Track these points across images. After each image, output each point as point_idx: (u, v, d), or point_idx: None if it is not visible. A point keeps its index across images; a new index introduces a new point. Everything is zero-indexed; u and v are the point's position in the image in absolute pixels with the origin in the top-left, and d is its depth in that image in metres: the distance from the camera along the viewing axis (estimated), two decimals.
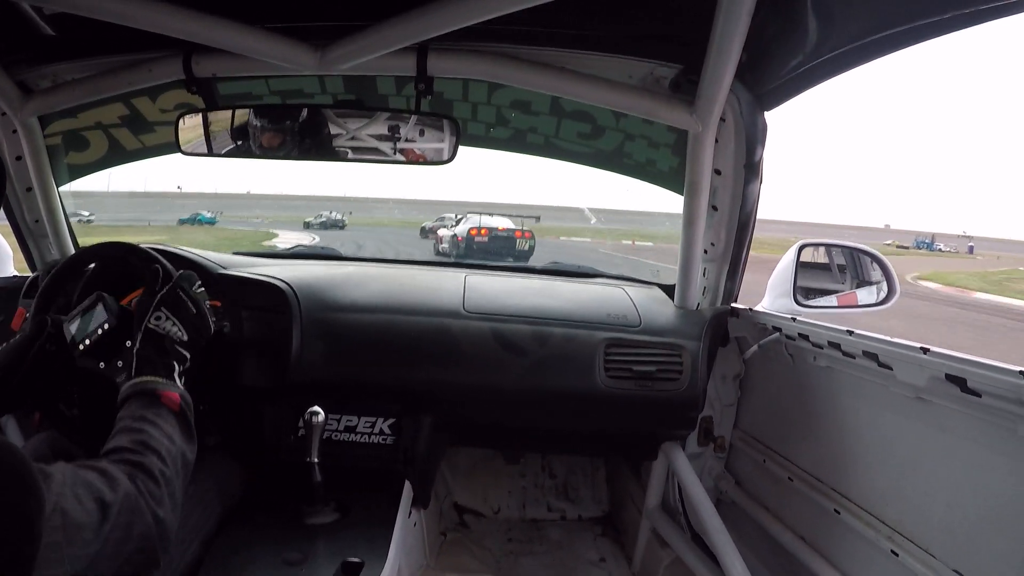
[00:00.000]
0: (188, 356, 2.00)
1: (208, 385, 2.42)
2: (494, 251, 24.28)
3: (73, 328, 2.25)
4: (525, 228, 25.83)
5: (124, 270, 2.48)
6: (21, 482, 1.18)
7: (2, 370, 2.15)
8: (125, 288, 2.44)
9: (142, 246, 2.46)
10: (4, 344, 2.25)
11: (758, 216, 2.78)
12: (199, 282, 2.16)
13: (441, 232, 27.27)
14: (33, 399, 2.25)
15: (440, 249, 26.59)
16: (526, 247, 24.99)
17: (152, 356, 1.90)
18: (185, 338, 2.00)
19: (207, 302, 2.14)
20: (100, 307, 2.26)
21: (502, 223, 25.86)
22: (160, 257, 2.36)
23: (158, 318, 1.98)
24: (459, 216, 26.78)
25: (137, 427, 1.69)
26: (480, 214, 26.16)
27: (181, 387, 1.88)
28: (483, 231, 24.94)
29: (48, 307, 2.54)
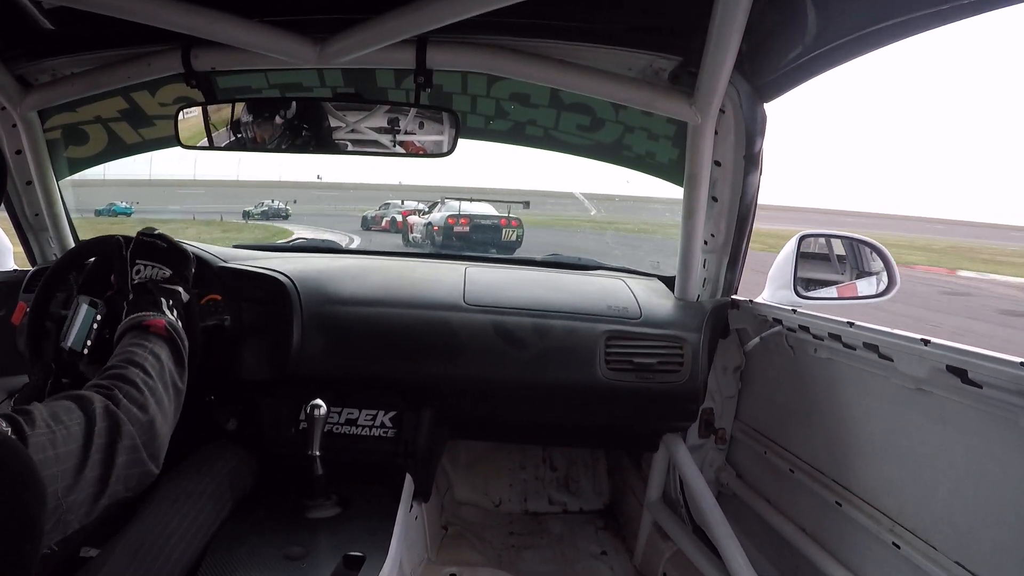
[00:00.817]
0: (179, 289, 2.08)
1: (212, 377, 2.42)
2: (476, 242, 22.21)
3: (71, 342, 2.27)
4: (512, 216, 23.73)
5: (122, 264, 2.49)
6: (22, 480, 1.18)
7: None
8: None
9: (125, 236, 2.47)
10: (19, 394, 2.30)
11: (762, 204, 2.78)
12: (157, 230, 2.23)
13: (412, 220, 25.29)
14: None
15: (412, 239, 24.56)
16: (513, 237, 22.72)
17: (139, 301, 1.97)
18: (167, 273, 2.09)
19: (174, 239, 2.19)
20: (84, 307, 2.28)
21: (485, 210, 23.80)
22: (120, 236, 2.38)
23: (137, 271, 2.08)
24: (435, 202, 24.73)
25: (124, 351, 1.76)
26: (460, 200, 23.99)
27: (170, 317, 1.94)
28: (463, 220, 22.87)
29: (48, 301, 2.54)
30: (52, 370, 2.39)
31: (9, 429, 1.28)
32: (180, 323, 1.98)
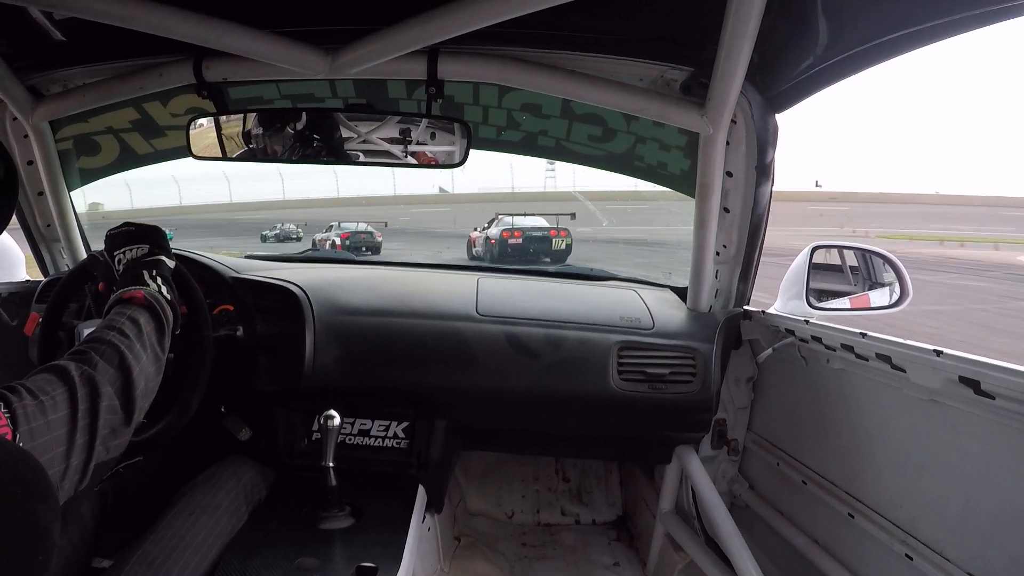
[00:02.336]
0: (161, 258, 2.12)
1: (224, 388, 2.42)
2: (530, 252, 24.19)
3: (88, 330, 2.28)
4: (560, 227, 25.48)
5: (105, 267, 2.50)
6: (35, 491, 1.18)
7: None
8: None
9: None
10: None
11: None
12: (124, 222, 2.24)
13: (474, 235, 26.67)
14: None
15: (474, 253, 26.07)
16: (562, 246, 24.78)
17: (124, 280, 2.02)
18: (144, 249, 2.11)
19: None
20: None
21: (536, 222, 25.50)
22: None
23: (118, 260, 2.10)
24: (491, 218, 26.21)
25: (105, 323, 1.81)
26: (512, 215, 25.76)
27: (153, 286, 1.99)
28: (516, 232, 24.64)
29: (61, 312, 2.55)
30: None
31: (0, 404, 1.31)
32: (167, 288, 2.03)
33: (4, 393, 1.32)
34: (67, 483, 1.41)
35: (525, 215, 25.81)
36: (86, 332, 2.30)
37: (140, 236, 2.15)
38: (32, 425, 1.31)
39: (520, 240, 24.37)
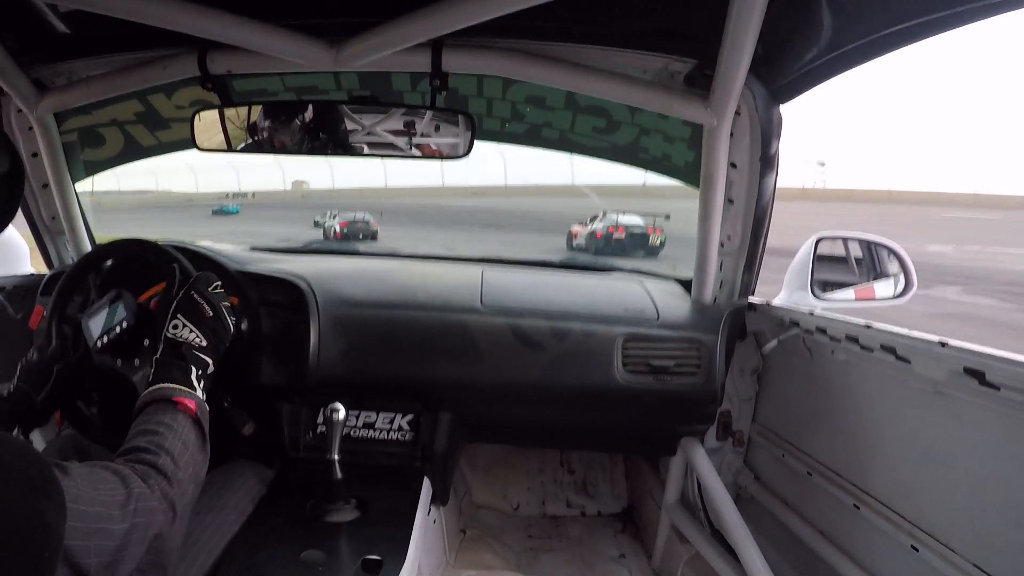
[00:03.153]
0: (209, 361, 1.98)
1: (228, 381, 2.43)
2: (630, 247, 25.51)
3: (92, 324, 2.27)
4: (656, 225, 26.69)
5: (141, 267, 2.49)
6: (43, 489, 1.19)
7: (29, 387, 2.17)
8: (142, 285, 2.46)
9: (159, 243, 2.46)
10: (26, 360, 2.27)
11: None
12: (217, 282, 2.15)
13: (575, 229, 28.07)
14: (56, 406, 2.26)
15: (575, 244, 27.64)
16: (658, 243, 26.06)
17: (169, 363, 1.89)
18: (204, 343, 1.98)
19: (226, 301, 2.14)
20: (120, 304, 2.28)
21: (636, 220, 26.82)
22: (179, 256, 2.36)
23: (175, 326, 1.97)
24: (594, 215, 27.64)
25: (152, 429, 1.70)
26: (616, 213, 27.14)
27: (199, 394, 1.87)
28: (620, 228, 26.17)
29: (65, 304, 2.55)
30: (61, 348, 2.39)
31: None
32: (204, 397, 1.92)
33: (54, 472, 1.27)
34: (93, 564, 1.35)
35: (625, 213, 27.22)
36: (91, 324, 2.30)
37: (209, 326, 2.03)
38: (70, 507, 1.26)
39: (623, 235, 25.87)
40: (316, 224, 34.02)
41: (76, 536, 1.26)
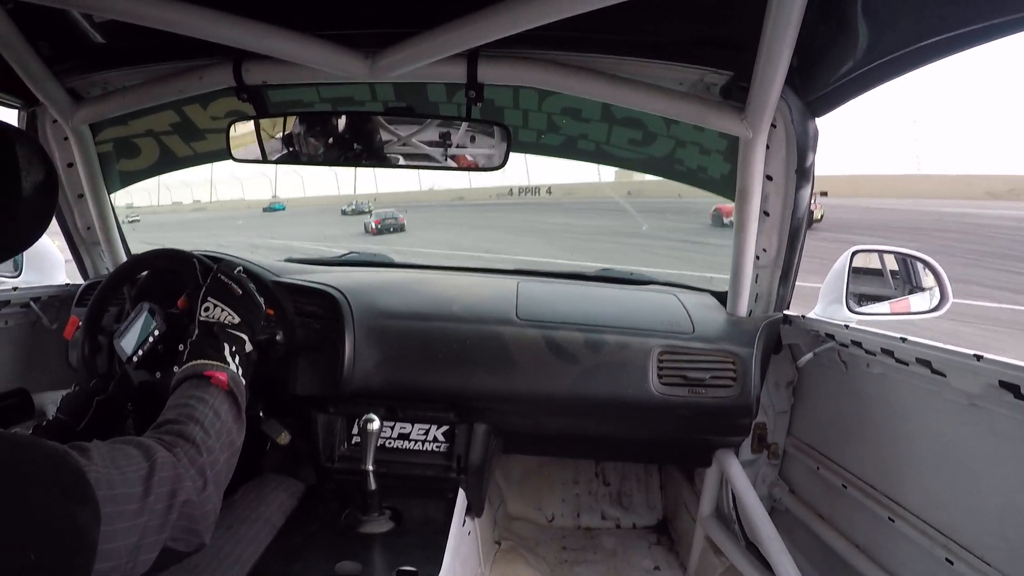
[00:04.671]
0: (244, 337, 2.02)
1: (263, 391, 2.43)
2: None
3: (124, 343, 2.29)
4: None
5: (175, 278, 2.50)
6: (75, 494, 1.19)
7: (68, 417, 2.20)
8: (176, 295, 2.47)
9: (194, 253, 2.48)
10: (67, 394, 2.31)
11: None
12: (240, 267, 2.18)
13: (725, 206, 30.09)
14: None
15: (725, 222, 28.62)
16: (819, 216, 28.69)
17: (202, 342, 1.92)
18: (236, 320, 2.02)
19: (252, 286, 2.15)
20: (146, 315, 2.30)
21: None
22: (196, 254, 2.39)
23: (206, 308, 2.01)
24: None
25: (183, 403, 1.72)
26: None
27: (232, 368, 1.89)
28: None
29: (101, 315, 2.57)
30: (102, 382, 2.41)
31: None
32: (241, 371, 1.94)
33: (72, 453, 1.28)
34: (125, 561, 1.33)
35: None
36: (123, 343, 2.32)
37: (240, 304, 2.08)
38: (96, 493, 1.26)
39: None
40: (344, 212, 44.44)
41: (103, 521, 1.25)
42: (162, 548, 1.45)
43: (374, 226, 35.91)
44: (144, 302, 2.37)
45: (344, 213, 49.40)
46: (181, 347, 2.08)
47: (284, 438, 2.52)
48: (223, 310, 2.02)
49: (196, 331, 1.97)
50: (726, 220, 27.90)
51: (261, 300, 2.19)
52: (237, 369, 1.92)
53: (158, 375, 2.31)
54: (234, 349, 1.95)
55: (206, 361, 1.86)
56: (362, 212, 46.52)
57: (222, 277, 2.09)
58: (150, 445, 1.49)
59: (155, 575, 1.43)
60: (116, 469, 1.35)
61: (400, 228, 36.13)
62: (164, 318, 2.31)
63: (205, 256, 2.50)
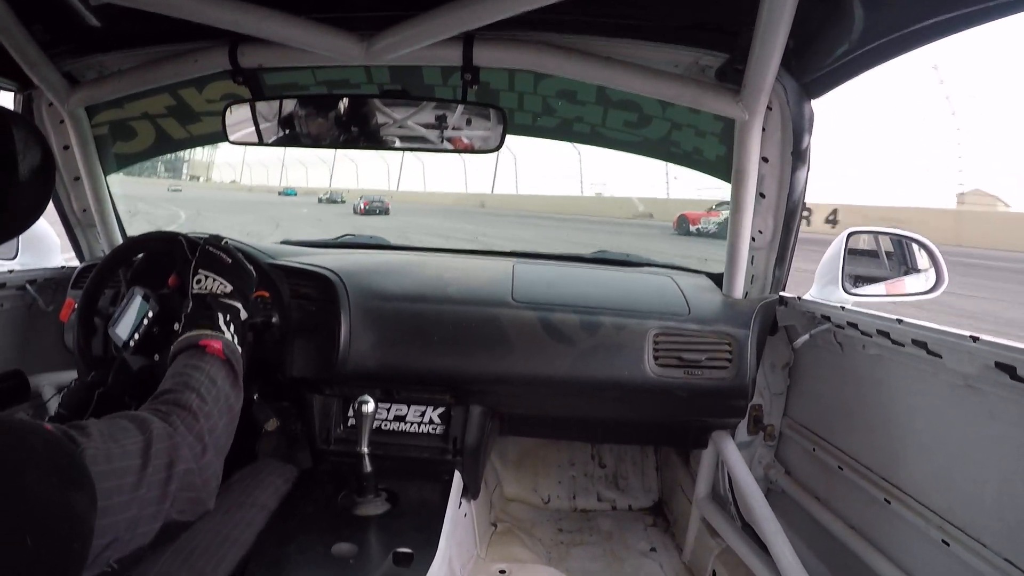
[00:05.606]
0: (238, 305, 2.04)
1: (258, 375, 2.43)
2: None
3: (119, 330, 2.29)
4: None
5: (169, 260, 2.51)
6: (72, 479, 1.20)
7: (70, 412, 2.21)
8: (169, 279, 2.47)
9: (190, 235, 2.48)
10: (68, 390, 2.31)
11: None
12: (226, 239, 2.21)
13: (692, 213, 30.99)
14: None
15: (692, 229, 30.53)
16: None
17: (197, 314, 1.95)
18: (228, 289, 2.05)
19: (240, 255, 2.17)
20: (138, 299, 2.30)
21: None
22: (185, 234, 2.39)
23: (198, 281, 2.03)
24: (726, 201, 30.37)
25: (178, 372, 1.74)
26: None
27: (227, 336, 1.91)
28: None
29: (97, 298, 2.57)
30: (101, 371, 2.41)
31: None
32: (236, 339, 1.96)
33: (70, 433, 1.29)
34: (127, 535, 1.35)
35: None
36: (118, 330, 2.32)
37: (230, 273, 2.09)
38: (92, 470, 1.27)
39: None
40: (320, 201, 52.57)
41: (101, 497, 1.26)
42: (167, 521, 1.46)
43: (363, 207, 43.20)
44: (135, 287, 2.36)
45: (320, 201, 57.08)
46: (177, 326, 2.09)
47: (272, 424, 2.52)
48: (215, 280, 2.04)
49: (190, 304, 1.99)
50: (692, 228, 28.42)
51: (251, 268, 2.20)
52: (232, 337, 1.94)
53: (156, 358, 2.31)
54: (228, 318, 1.98)
55: (200, 331, 1.88)
56: (335, 201, 55.20)
57: (210, 248, 2.11)
58: (145, 417, 1.51)
59: (159, 547, 1.44)
60: (115, 443, 1.36)
61: (385, 211, 43.21)
62: (156, 300, 2.31)
63: (201, 239, 2.51)
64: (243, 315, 2.05)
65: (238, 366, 1.88)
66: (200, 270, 2.05)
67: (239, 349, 1.94)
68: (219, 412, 1.71)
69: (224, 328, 1.93)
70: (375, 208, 42.95)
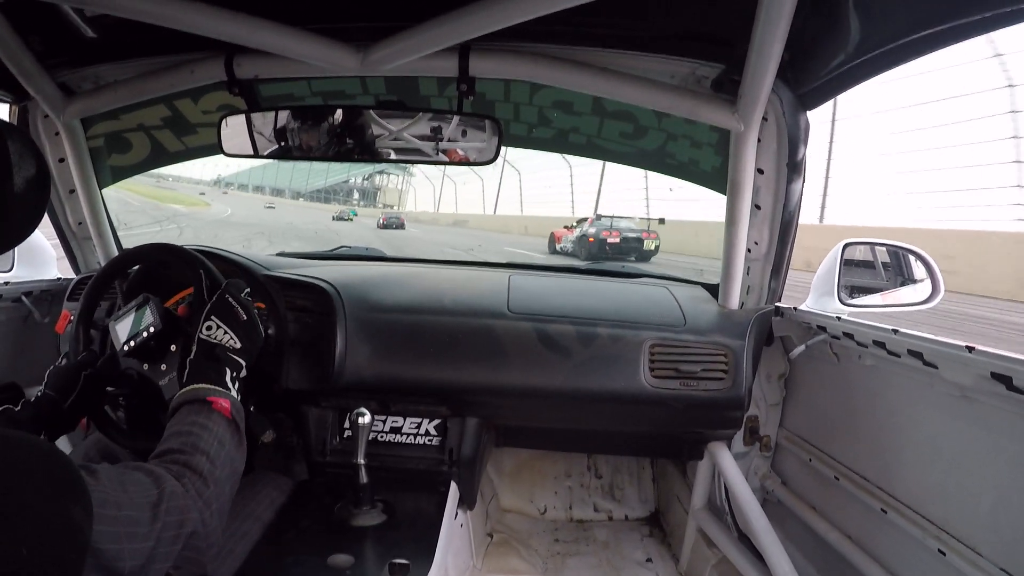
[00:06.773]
0: (242, 363, 2.00)
1: (254, 387, 2.43)
2: (624, 251, 26.12)
3: (119, 328, 2.28)
4: (651, 230, 27.42)
5: (167, 272, 2.50)
6: (68, 491, 1.19)
7: (56, 393, 2.18)
8: (168, 290, 2.46)
9: (186, 248, 2.47)
10: (54, 367, 2.28)
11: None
12: (247, 289, 2.18)
13: (559, 232, 29.21)
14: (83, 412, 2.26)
15: (559, 248, 28.86)
16: (652, 247, 26.70)
17: (203, 364, 1.90)
18: (238, 345, 2.00)
19: (255, 306, 2.15)
20: (148, 309, 2.28)
21: (631, 224, 27.67)
22: (206, 262, 2.36)
23: (209, 327, 1.98)
24: (582, 219, 28.73)
25: (187, 430, 1.70)
26: (610, 217, 27.84)
27: (233, 394, 1.88)
28: (615, 233, 26.58)
29: (92, 309, 2.56)
30: (91, 353, 2.40)
31: None
32: (240, 398, 1.92)
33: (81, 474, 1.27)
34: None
35: (619, 218, 28.13)
36: (118, 329, 2.31)
37: (244, 329, 2.05)
38: (100, 512, 1.25)
39: (618, 240, 26.48)
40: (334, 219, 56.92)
41: (108, 540, 1.25)
42: (164, 569, 1.44)
43: (382, 222, 48.42)
44: (150, 296, 2.35)
45: (334, 219, 58.51)
46: (173, 347, 2.08)
47: (268, 436, 2.52)
48: (226, 332, 2.00)
49: (195, 349, 1.95)
50: (558, 247, 28.08)
51: (262, 328, 2.17)
52: (237, 396, 1.90)
53: (145, 367, 2.30)
54: (234, 375, 1.94)
55: (208, 386, 1.84)
56: (343, 219, 58.20)
57: (229, 299, 2.08)
58: (160, 473, 1.49)
59: None
60: (124, 492, 1.35)
61: (401, 226, 48.64)
62: (161, 315, 2.30)
63: (197, 251, 2.49)
64: (244, 373, 2.01)
65: (242, 426, 1.86)
66: (214, 317, 2.02)
67: (243, 409, 1.90)
68: (225, 477, 1.69)
69: (230, 385, 1.90)
70: (392, 223, 48.67)
